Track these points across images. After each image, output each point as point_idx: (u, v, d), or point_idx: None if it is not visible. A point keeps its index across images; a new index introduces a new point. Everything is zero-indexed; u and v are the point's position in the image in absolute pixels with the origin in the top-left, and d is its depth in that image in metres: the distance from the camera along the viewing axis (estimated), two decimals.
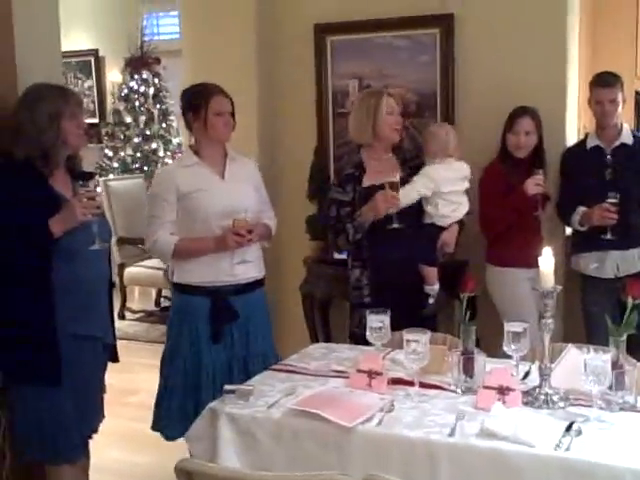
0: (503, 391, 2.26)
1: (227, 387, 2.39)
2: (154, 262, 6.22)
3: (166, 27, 8.02)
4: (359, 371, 2.47)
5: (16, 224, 2.54)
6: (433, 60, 4.18)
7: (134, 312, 6.71)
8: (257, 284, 3.16)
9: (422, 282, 3.34)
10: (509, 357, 2.44)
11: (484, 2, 4.05)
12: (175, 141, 7.67)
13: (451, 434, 2.09)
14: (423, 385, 2.39)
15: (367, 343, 2.64)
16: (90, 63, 8.17)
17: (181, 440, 2.64)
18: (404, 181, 3.27)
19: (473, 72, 4.09)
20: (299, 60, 4.44)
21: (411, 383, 2.39)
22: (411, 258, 3.28)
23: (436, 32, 4.14)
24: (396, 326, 2.55)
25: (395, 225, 3.17)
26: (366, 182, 3.29)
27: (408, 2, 4.12)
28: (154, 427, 3.14)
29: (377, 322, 2.54)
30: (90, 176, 2.82)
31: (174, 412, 3.02)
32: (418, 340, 2.32)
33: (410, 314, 2.91)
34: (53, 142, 2.66)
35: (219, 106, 3.04)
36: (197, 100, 3.04)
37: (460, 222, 3.40)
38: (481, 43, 4.06)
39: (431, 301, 3.34)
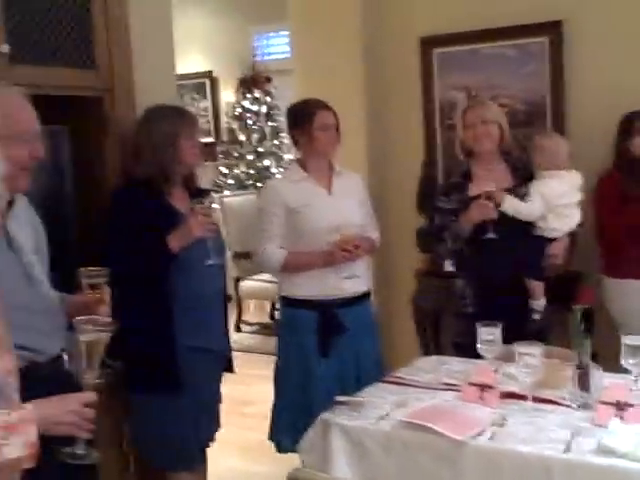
0: (621, 407, 2.18)
1: (338, 398, 2.42)
2: (268, 276, 6.32)
3: (276, 47, 8.20)
4: (471, 384, 2.44)
5: (137, 240, 2.66)
6: (542, 69, 4.10)
7: (250, 324, 6.86)
8: (364, 297, 3.18)
9: (527, 295, 3.25)
10: (627, 372, 2.36)
11: (594, 8, 3.95)
12: (287, 157, 7.81)
13: (567, 450, 2.05)
14: (536, 399, 2.34)
15: (471, 353, 2.60)
16: (205, 84, 8.45)
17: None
18: (515, 190, 3.21)
19: (583, 79, 3.99)
20: (406, 73, 4.46)
21: (524, 397, 2.35)
22: (516, 270, 3.19)
23: (544, 40, 4.07)
24: (503, 338, 2.50)
25: (490, 235, 3.09)
26: (472, 192, 3.24)
27: (515, 11, 4.06)
28: (270, 437, 3.20)
29: (488, 335, 2.51)
30: (206, 193, 2.94)
31: (287, 425, 3.06)
32: (531, 353, 2.28)
33: (516, 327, 2.84)
34: (171, 161, 2.77)
35: (324, 120, 3.09)
36: (302, 115, 3.10)
37: (571, 233, 3.29)
38: (591, 49, 3.96)
39: (536, 317, 3.23)
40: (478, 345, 2.52)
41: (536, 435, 2.15)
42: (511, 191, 3.19)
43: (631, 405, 2.19)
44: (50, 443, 1.57)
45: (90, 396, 1.69)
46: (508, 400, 2.39)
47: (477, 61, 4.26)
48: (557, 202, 3.19)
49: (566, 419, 2.25)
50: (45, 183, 2.40)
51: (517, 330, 2.68)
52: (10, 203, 1.73)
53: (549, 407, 2.34)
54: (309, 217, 3.05)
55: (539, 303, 3.23)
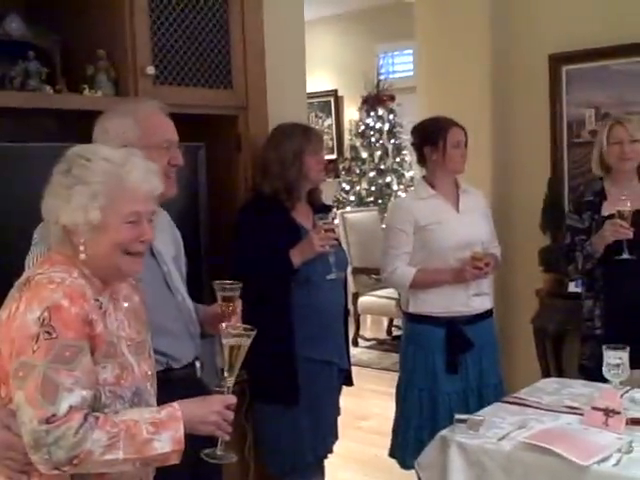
0: None
1: (458, 416, 2.42)
2: (387, 292, 6.38)
3: (400, 65, 8.27)
4: (594, 408, 2.39)
5: (263, 253, 2.76)
6: None
7: (367, 340, 6.91)
8: (488, 314, 3.17)
9: None
10: None
11: None
12: (408, 175, 7.85)
13: None
14: None
15: (597, 376, 2.54)
16: (330, 102, 8.61)
17: None
18: None
19: None
20: (533, 91, 4.40)
21: None
22: None
23: None
24: (631, 362, 2.43)
25: (625, 256, 2.99)
26: (605, 211, 3.14)
27: None
28: (391, 454, 3.21)
29: (615, 359, 2.44)
30: (328, 209, 3.01)
31: (410, 441, 3.07)
32: None
33: None
34: (296, 177, 2.86)
35: (457, 137, 3.10)
36: (435, 133, 3.10)
37: None
38: None
39: None
40: (604, 368, 2.45)
41: None
42: None
43: None
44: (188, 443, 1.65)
45: (231, 399, 1.76)
46: (635, 427, 2.32)
47: (607, 78, 4.16)
48: None
49: None
50: (182, 197, 2.53)
51: None
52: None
53: None
54: (439, 234, 3.07)
55: None
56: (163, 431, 1.58)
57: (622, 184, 3.16)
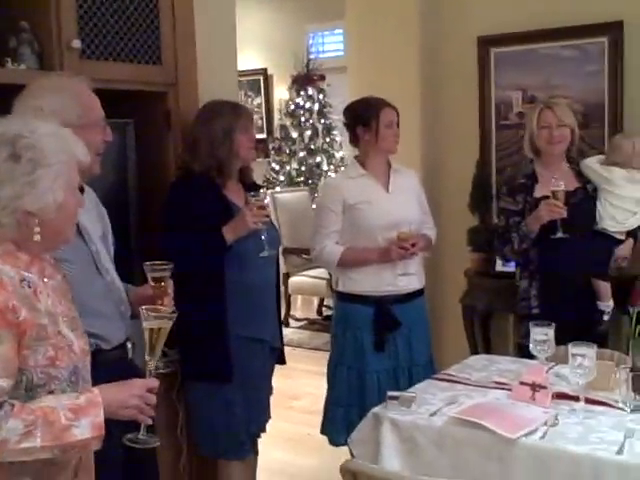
0: None
1: (390, 393, 2.45)
2: (317, 272, 6.39)
3: (330, 45, 8.25)
4: (522, 383, 2.45)
5: (194, 231, 2.73)
6: (601, 70, 4.05)
7: (298, 320, 6.92)
8: (418, 293, 3.20)
9: (594, 297, 3.21)
10: None
11: None
12: (338, 155, 7.86)
13: (619, 452, 2.04)
14: (589, 401, 2.34)
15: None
16: (259, 81, 8.53)
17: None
18: (579, 194, 3.20)
19: None
20: (462, 73, 4.45)
21: (576, 398, 2.34)
22: (582, 270, 3.16)
23: (604, 41, 4.02)
24: (564, 340, 2.49)
25: (559, 234, 3.07)
26: (538, 192, 3.20)
27: (574, 11, 4.02)
28: (322, 431, 3.24)
29: (541, 335, 2.50)
30: (259, 187, 2.99)
31: (340, 419, 3.10)
32: (585, 354, 2.28)
33: (580, 329, 2.83)
34: (227, 155, 2.83)
35: (389, 117, 3.12)
36: (368, 113, 3.12)
37: (634, 236, 3.26)
38: None
39: (606, 318, 3.19)
40: (531, 345, 2.52)
41: (588, 436, 2.15)
42: (578, 193, 3.17)
43: None
44: (112, 428, 1.63)
45: (153, 382, 1.74)
46: (560, 400, 2.39)
47: (535, 61, 4.23)
48: (620, 192, 3.14)
49: (619, 421, 2.24)
50: (110, 175, 2.47)
51: (583, 331, 2.67)
52: (80, 191, 1.81)
53: (601, 409, 2.33)
54: (367, 214, 3.09)
55: (607, 304, 3.18)
56: (82, 417, 1.56)
57: (552, 167, 3.23)
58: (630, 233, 3.24)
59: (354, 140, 3.22)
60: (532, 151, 3.27)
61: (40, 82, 2.14)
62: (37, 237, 1.62)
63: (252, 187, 2.97)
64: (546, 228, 3.10)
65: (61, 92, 2.07)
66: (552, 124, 3.16)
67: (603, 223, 3.19)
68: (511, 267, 3.78)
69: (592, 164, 3.24)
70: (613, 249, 3.21)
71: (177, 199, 2.82)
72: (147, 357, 1.78)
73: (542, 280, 3.20)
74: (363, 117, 3.13)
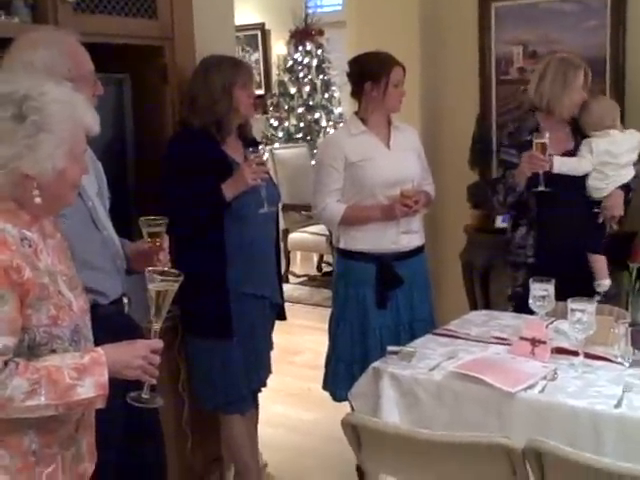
0: None
1: (390, 348, 2.46)
2: (317, 228, 6.39)
3: None
4: (522, 338, 2.46)
5: (193, 187, 2.71)
6: (603, 24, 3.99)
7: (297, 276, 6.93)
8: (418, 250, 3.19)
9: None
10: None
11: None
12: (337, 111, 7.80)
13: (617, 406, 2.06)
14: (588, 356, 2.35)
15: (527, 304, 2.60)
16: (257, 36, 8.43)
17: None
18: (572, 152, 3.17)
19: None
20: (462, 27, 4.39)
21: (575, 353, 2.35)
22: (578, 235, 3.14)
23: None
24: (561, 290, 2.50)
25: (541, 188, 3.04)
26: (548, 150, 3.13)
27: None
28: (324, 387, 3.25)
29: (541, 290, 2.50)
30: (258, 144, 2.96)
31: (342, 374, 3.10)
32: (584, 309, 2.28)
33: (577, 281, 2.83)
34: (226, 110, 2.80)
35: (398, 77, 3.06)
36: (379, 69, 3.04)
37: (627, 189, 3.23)
38: None
39: (598, 298, 3.05)
40: (530, 300, 2.52)
41: (587, 390, 2.17)
42: (570, 154, 3.15)
43: None
44: (114, 385, 1.63)
45: (157, 343, 1.75)
46: (559, 355, 2.40)
47: (536, 16, 4.17)
48: (602, 159, 3.13)
49: (617, 376, 2.25)
50: (107, 131, 2.44)
51: (580, 284, 2.66)
52: None
53: (600, 363, 2.34)
54: (368, 171, 3.05)
55: (604, 283, 3.14)
56: (86, 376, 1.57)
57: (556, 124, 3.19)
58: (622, 188, 3.19)
59: (357, 93, 3.14)
60: (547, 107, 3.17)
61: (29, 36, 2.11)
62: (37, 200, 1.61)
63: (251, 143, 2.95)
64: (532, 180, 3.08)
65: (51, 46, 2.05)
66: (584, 88, 3.14)
67: (591, 192, 3.18)
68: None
69: (593, 141, 3.18)
70: (601, 221, 3.18)
71: (176, 155, 2.80)
72: (152, 318, 1.78)
73: (539, 231, 3.19)
74: (372, 73, 3.05)
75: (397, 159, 3.10)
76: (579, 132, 3.23)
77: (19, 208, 1.62)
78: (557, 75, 3.14)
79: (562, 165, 3.10)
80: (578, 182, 3.14)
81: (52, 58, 2.01)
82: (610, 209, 3.16)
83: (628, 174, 3.17)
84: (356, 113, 3.19)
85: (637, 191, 3.31)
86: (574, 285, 2.68)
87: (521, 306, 2.91)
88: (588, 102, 3.18)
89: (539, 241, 3.18)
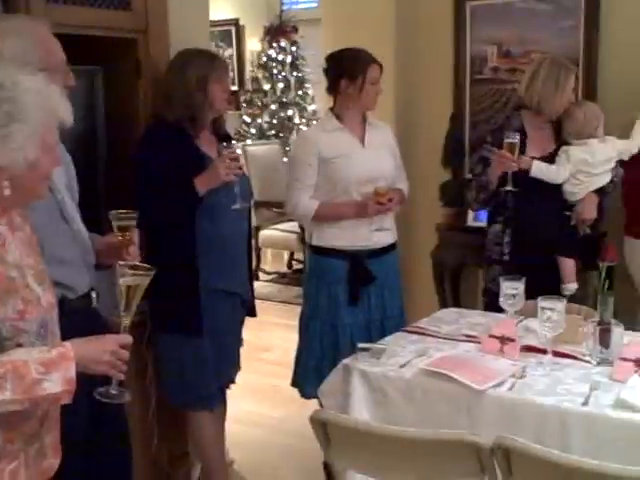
0: None
1: (360, 345, 2.46)
2: (288, 225, 6.38)
3: None
4: (491, 336, 2.47)
5: (165, 181, 2.69)
6: (577, 25, 4.02)
7: (267, 273, 6.91)
8: (391, 248, 3.20)
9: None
10: None
11: None
12: (310, 108, 7.79)
13: (585, 403, 2.07)
14: (556, 354, 2.36)
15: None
16: (231, 32, 8.38)
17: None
18: (553, 154, 3.20)
19: (620, 36, 3.91)
20: (437, 26, 4.40)
21: (544, 351, 2.37)
22: (549, 238, 3.17)
23: None
24: (533, 288, 2.51)
25: (508, 187, 3.08)
26: (530, 151, 3.18)
27: None
28: (293, 383, 3.24)
29: (511, 289, 2.52)
30: (232, 139, 2.94)
31: (311, 371, 3.10)
32: (554, 308, 2.30)
33: (548, 277, 2.85)
34: (201, 104, 2.77)
35: (375, 74, 3.05)
36: (356, 66, 3.03)
37: (602, 194, 3.26)
38: (630, 5, 3.88)
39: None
40: (501, 299, 2.54)
41: (555, 388, 2.18)
42: (549, 157, 3.17)
43: None
44: (83, 382, 1.61)
45: (126, 338, 1.72)
46: (528, 353, 2.42)
47: (510, 15, 4.19)
48: (578, 168, 3.16)
49: (585, 374, 2.27)
50: (77, 122, 2.40)
51: (551, 283, 2.68)
52: None
53: (568, 361, 2.36)
54: (343, 168, 3.04)
55: (570, 287, 3.18)
56: (53, 371, 1.54)
57: (539, 125, 3.23)
58: (596, 192, 3.23)
59: (333, 90, 3.13)
60: (537, 107, 3.19)
61: None
62: (7, 192, 1.58)
63: (225, 138, 2.93)
64: (502, 179, 3.10)
65: (21, 35, 2.01)
66: (575, 89, 3.19)
67: (573, 197, 3.21)
68: (482, 222, 3.79)
69: (570, 150, 3.20)
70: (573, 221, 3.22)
71: (148, 148, 2.78)
72: (122, 313, 1.76)
73: (515, 228, 3.21)
74: (350, 70, 3.04)
75: (371, 156, 3.10)
76: (558, 133, 3.26)
77: None
78: (550, 75, 3.16)
79: (539, 172, 3.13)
80: (554, 184, 3.18)
81: (22, 48, 1.98)
82: (582, 213, 3.20)
83: (603, 179, 3.21)
84: (331, 109, 3.18)
85: (609, 194, 3.36)
86: (546, 284, 2.70)
87: (493, 302, 2.93)
88: (572, 109, 3.20)
89: (514, 239, 3.21)
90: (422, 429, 2.03)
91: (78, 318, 2.00)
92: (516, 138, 3.04)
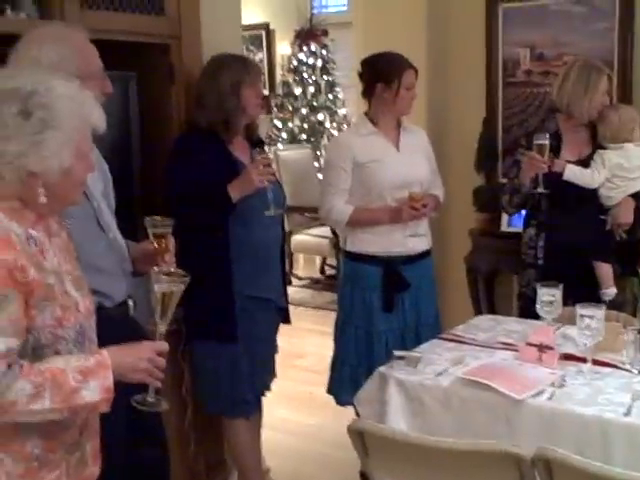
0: None
1: (396, 353, 2.44)
2: (320, 230, 6.36)
3: (334, 0, 8.12)
4: (529, 344, 2.43)
5: (198, 189, 2.68)
6: (611, 27, 3.96)
7: (300, 279, 6.90)
8: (425, 254, 3.17)
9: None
10: None
11: None
12: (341, 112, 7.77)
13: (627, 414, 2.03)
14: (596, 362, 2.32)
15: (534, 303, 2.57)
16: (261, 36, 8.39)
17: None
18: (588, 158, 3.15)
19: None
20: (470, 29, 4.36)
21: (583, 359, 2.33)
22: (584, 242, 3.11)
23: None
24: (568, 294, 2.48)
25: (540, 189, 3.04)
26: (565, 155, 3.14)
27: None
28: (329, 391, 3.22)
29: (548, 296, 2.48)
30: (264, 144, 2.93)
31: (347, 378, 3.08)
32: (593, 316, 2.26)
33: (583, 283, 2.81)
34: (234, 110, 2.77)
35: (410, 79, 3.03)
36: (391, 71, 3.01)
37: (638, 197, 3.21)
38: None
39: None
40: (537, 306, 2.50)
41: (595, 397, 2.14)
42: (584, 161, 3.13)
43: None
44: (118, 387, 1.61)
45: (163, 345, 1.72)
46: (566, 362, 2.38)
47: (543, 18, 4.14)
48: (613, 172, 3.11)
49: (626, 383, 2.23)
50: (113, 130, 2.41)
51: (586, 289, 2.63)
52: None
53: (608, 370, 2.32)
54: (377, 173, 3.02)
55: (609, 292, 3.11)
56: (91, 379, 1.54)
57: (575, 127, 3.18)
58: (633, 196, 3.17)
59: (368, 94, 3.11)
60: (591, 115, 3.15)
61: (37, 32, 2.07)
62: (43, 199, 1.59)
63: (258, 144, 2.93)
64: (534, 182, 3.06)
65: (58, 43, 2.02)
66: (609, 92, 3.13)
67: (609, 201, 3.16)
68: (516, 227, 3.75)
69: (606, 154, 3.15)
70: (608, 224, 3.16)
71: (182, 154, 2.78)
72: (158, 320, 1.75)
73: (548, 234, 3.16)
74: (385, 74, 3.01)
75: (406, 161, 3.07)
76: (595, 136, 3.21)
77: (24, 207, 1.60)
78: (580, 77, 3.12)
79: (573, 175, 3.09)
80: (590, 188, 3.13)
81: (59, 55, 1.99)
82: (618, 217, 3.14)
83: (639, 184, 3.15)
84: (366, 114, 3.16)
85: None
86: (581, 289, 2.66)
87: (528, 307, 2.89)
88: (607, 113, 3.15)
89: (548, 243, 3.16)
90: (461, 440, 2.00)
91: (115, 326, 1.99)
92: (545, 139, 3.01)
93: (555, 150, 3.15)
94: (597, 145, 3.18)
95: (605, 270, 3.14)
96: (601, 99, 3.13)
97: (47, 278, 1.58)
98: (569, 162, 3.12)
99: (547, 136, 3.02)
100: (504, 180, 3.44)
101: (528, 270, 3.24)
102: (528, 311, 2.93)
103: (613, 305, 3.04)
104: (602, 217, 3.16)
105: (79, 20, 2.37)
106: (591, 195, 3.14)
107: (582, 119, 3.16)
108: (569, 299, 2.48)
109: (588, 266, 3.13)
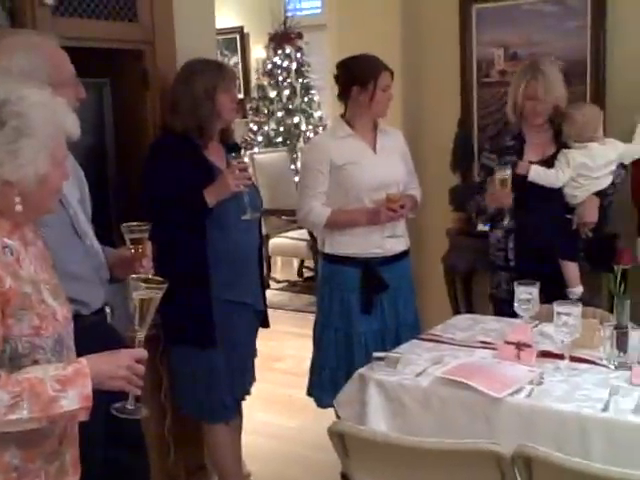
0: None
1: (376, 354, 2.44)
2: (297, 233, 6.36)
3: (307, 2, 8.12)
4: (507, 342, 2.45)
5: (174, 193, 2.68)
6: (584, 25, 4.01)
7: (278, 282, 6.89)
8: (403, 255, 3.18)
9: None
10: None
11: None
12: (316, 115, 7.78)
13: (605, 409, 2.05)
14: (573, 359, 2.34)
15: (504, 305, 2.59)
16: (236, 40, 8.38)
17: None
18: (552, 158, 3.17)
19: (627, 37, 3.89)
20: (443, 29, 4.39)
21: (560, 356, 2.35)
22: (551, 244, 3.14)
23: None
24: (541, 292, 2.49)
25: (505, 222, 3.12)
26: (528, 156, 3.17)
27: None
28: (309, 393, 3.22)
29: (526, 294, 2.50)
30: (240, 148, 2.93)
31: (326, 381, 3.08)
32: (570, 313, 2.28)
33: (553, 282, 2.83)
34: (209, 115, 2.77)
35: (386, 81, 3.03)
36: (367, 74, 3.00)
37: (603, 196, 3.23)
38: (636, 6, 3.85)
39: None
40: (515, 304, 2.52)
41: (573, 394, 2.16)
42: (548, 161, 3.15)
43: None
44: (99, 398, 1.60)
45: (142, 352, 1.71)
46: (544, 359, 2.39)
47: (516, 17, 4.18)
48: (578, 171, 3.14)
49: (603, 379, 2.25)
50: (88, 136, 2.40)
51: (557, 287, 2.66)
52: None
53: (586, 366, 2.34)
54: (355, 175, 3.03)
55: (576, 291, 3.12)
56: (70, 388, 1.53)
57: (537, 130, 3.20)
58: (598, 194, 3.19)
59: (344, 96, 3.11)
60: (516, 115, 3.21)
61: (7, 41, 2.06)
62: (19, 207, 1.58)
63: (233, 148, 2.92)
64: (499, 211, 3.11)
65: (29, 51, 2.01)
66: (539, 97, 3.10)
67: (573, 200, 3.18)
68: None
69: (570, 154, 3.17)
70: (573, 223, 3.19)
71: (158, 160, 2.77)
72: (137, 327, 1.74)
73: (516, 234, 3.18)
74: (361, 77, 3.01)
75: (383, 163, 3.08)
76: (559, 135, 3.23)
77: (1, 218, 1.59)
78: (516, 77, 3.21)
79: (537, 176, 3.11)
80: (554, 187, 3.16)
81: (30, 63, 1.98)
82: (583, 216, 3.16)
83: (604, 182, 3.17)
84: (342, 116, 3.16)
85: (619, 193, 3.33)
86: (554, 288, 2.68)
87: (500, 308, 2.91)
88: (571, 112, 3.17)
89: (516, 244, 3.18)
90: (441, 439, 2.01)
91: (93, 334, 1.98)
92: (507, 172, 3.00)
93: (518, 151, 3.18)
94: (561, 144, 3.20)
95: (572, 269, 3.16)
96: (527, 104, 3.12)
97: (23, 287, 1.57)
98: (533, 162, 3.14)
99: (508, 169, 3.02)
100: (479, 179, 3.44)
101: (498, 272, 3.26)
102: (500, 313, 2.95)
103: (583, 302, 3.08)
104: (568, 216, 3.18)
105: (51, 27, 2.36)
106: (556, 195, 3.17)
107: (514, 117, 3.21)
108: (542, 298, 2.50)
109: (556, 265, 3.16)
